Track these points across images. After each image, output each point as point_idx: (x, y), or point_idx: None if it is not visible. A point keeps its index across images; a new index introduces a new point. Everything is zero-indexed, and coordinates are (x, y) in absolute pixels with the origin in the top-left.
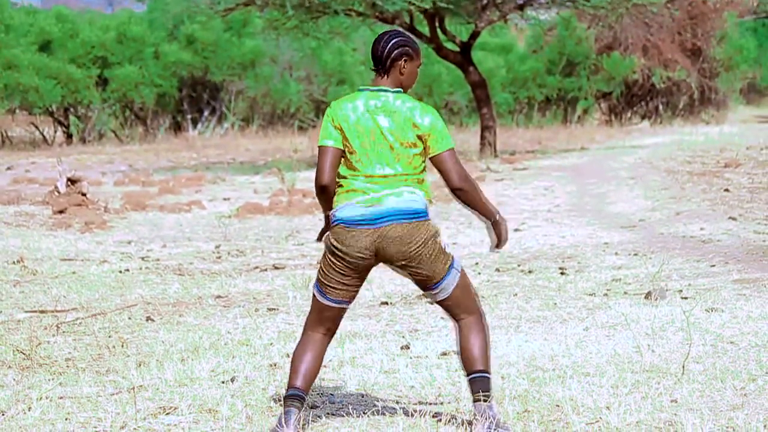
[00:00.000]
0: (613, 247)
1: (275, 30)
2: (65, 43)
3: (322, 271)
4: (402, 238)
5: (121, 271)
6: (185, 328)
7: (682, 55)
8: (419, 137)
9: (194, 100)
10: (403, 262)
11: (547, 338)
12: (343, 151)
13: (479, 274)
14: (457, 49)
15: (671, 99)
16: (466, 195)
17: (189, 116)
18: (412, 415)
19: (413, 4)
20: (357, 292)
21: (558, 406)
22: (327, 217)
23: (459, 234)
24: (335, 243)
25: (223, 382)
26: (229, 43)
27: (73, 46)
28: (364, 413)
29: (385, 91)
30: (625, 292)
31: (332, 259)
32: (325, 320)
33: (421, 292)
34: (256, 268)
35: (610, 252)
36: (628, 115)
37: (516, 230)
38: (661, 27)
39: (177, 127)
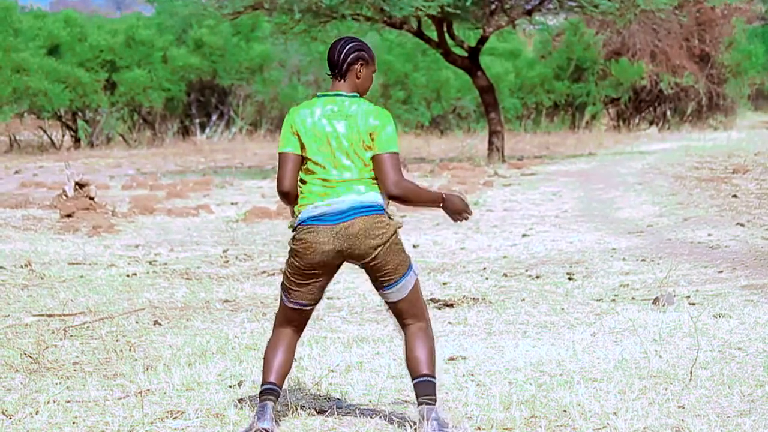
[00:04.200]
0: (621, 253)
1: (283, 34)
2: (73, 47)
3: (286, 274)
4: (366, 231)
5: (128, 275)
6: (192, 332)
7: (690, 61)
8: (372, 138)
9: (202, 104)
10: (369, 258)
11: (554, 343)
12: (303, 157)
13: (487, 279)
14: (465, 54)
15: (679, 105)
16: (402, 201)
17: (197, 120)
18: (420, 420)
19: (421, 10)
20: (320, 295)
21: (565, 411)
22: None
23: (467, 239)
24: (298, 245)
25: (230, 387)
26: (237, 47)
27: (81, 49)
28: (371, 418)
29: (342, 96)
30: (633, 298)
31: (294, 261)
32: (290, 320)
33: (377, 291)
34: (264, 272)
35: (617, 257)
36: (636, 120)
37: (524, 235)
38: (669, 33)
39: (185, 131)
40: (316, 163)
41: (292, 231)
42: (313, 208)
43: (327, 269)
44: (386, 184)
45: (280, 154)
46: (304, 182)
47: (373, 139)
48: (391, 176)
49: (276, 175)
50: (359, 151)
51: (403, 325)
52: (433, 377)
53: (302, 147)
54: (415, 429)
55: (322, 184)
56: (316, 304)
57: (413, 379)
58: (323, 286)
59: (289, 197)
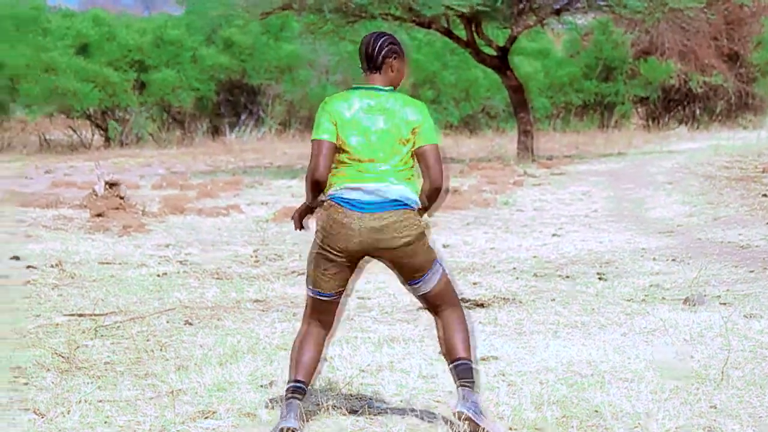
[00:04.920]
0: (651, 253)
1: (312, 34)
2: (102, 47)
3: (312, 262)
4: (393, 226)
5: (159, 275)
6: (223, 332)
7: (719, 59)
8: (412, 133)
9: (232, 103)
10: (392, 254)
11: (585, 343)
12: (337, 146)
13: (517, 279)
14: (495, 53)
15: (708, 104)
16: (440, 197)
17: (227, 120)
18: (451, 421)
19: (451, 9)
20: (343, 286)
21: (597, 411)
22: (308, 207)
23: (497, 239)
24: (326, 222)
25: (261, 386)
26: (266, 46)
27: (110, 49)
28: (402, 418)
29: (379, 89)
30: (664, 298)
31: (324, 240)
32: (318, 313)
33: (403, 285)
34: (294, 272)
35: (648, 257)
36: (666, 119)
37: (554, 235)
38: (698, 32)
39: (215, 131)
40: (351, 155)
41: (324, 204)
42: (346, 190)
43: (349, 257)
44: (433, 176)
45: (315, 140)
46: (338, 168)
47: (414, 134)
48: (437, 167)
49: (308, 164)
50: (396, 146)
51: (436, 314)
52: (470, 361)
53: (338, 136)
54: (448, 427)
55: (358, 171)
56: (339, 296)
57: (450, 363)
58: (346, 277)
59: (321, 185)
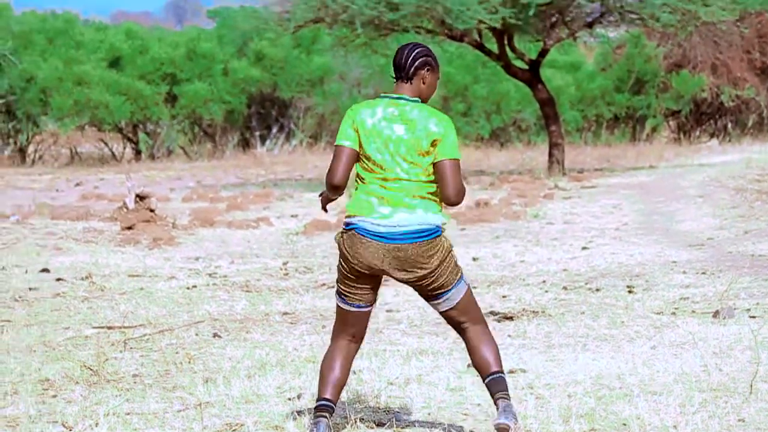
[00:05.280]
0: (681, 266)
1: (344, 47)
2: (135, 60)
3: (339, 277)
4: (416, 257)
5: (188, 288)
6: (252, 345)
7: (751, 73)
8: (433, 145)
9: (263, 116)
10: (415, 279)
11: (614, 356)
12: (358, 153)
13: (546, 292)
14: (526, 66)
15: (740, 117)
16: (452, 206)
17: (257, 133)
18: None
19: (483, 22)
20: (375, 296)
21: (625, 424)
22: (326, 198)
23: (527, 252)
24: (348, 249)
25: (289, 399)
26: (297, 59)
27: (142, 62)
28: (430, 431)
29: (405, 99)
30: (693, 311)
31: (344, 265)
32: (349, 326)
33: (426, 301)
34: (323, 285)
35: (677, 270)
36: (697, 133)
37: (584, 248)
38: (730, 45)
39: (245, 144)
40: (374, 163)
41: (342, 229)
42: (370, 223)
43: (373, 276)
44: (447, 192)
45: (336, 146)
46: (362, 179)
47: (435, 147)
48: (452, 184)
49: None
50: (416, 158)
51: (461, 330)
52: (503, 373)
53: (360, 144)
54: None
55: (381, 184)
56: (371, 306)
57: (485, 378)
58: (374, 288)
59: (339, 190)
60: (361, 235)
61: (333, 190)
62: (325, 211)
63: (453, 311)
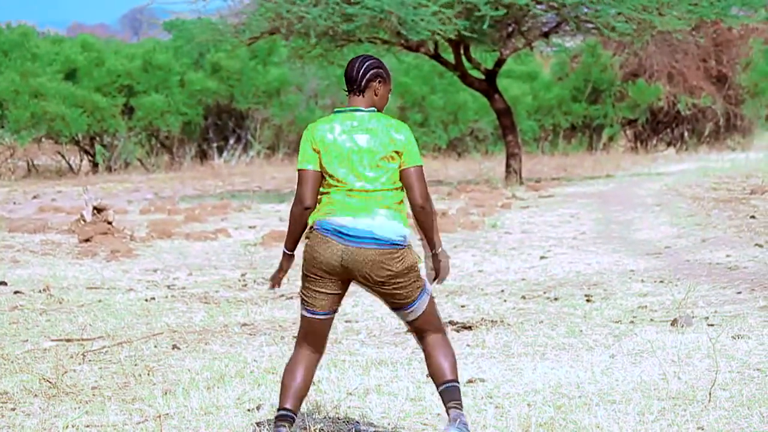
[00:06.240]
0: (639, 274)
1: (300, 58)
2: (91, 72)
3: (303, 284)
4: (374, 263)
5: (147, 300)
6: (211, 356)
7: (707, 81)
8: (396, 152)
9: (220, 128)
10: (376, 286)
11: (573, 365)
12: (322, 173)
13: (505, 301)
14: (482, 76)
15: (697, 126)
16: (426, 215)
17: (215, 144)
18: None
19: (438, 33)
20: (339, 303)
21: None
22: (286, 255)
23: (485, 261)
24: (308, 248)
25: (249, 410)
26: (254, 71)
27: (98, 74)
28: None
29: (360, 110)
30: (651, 319)
31: (305, 264)
32: (312, 335)
33: (391, 309)
34: (282, 295)
35: (635, 279)
36: (654, 142)
37: (542, 257)
38: (686, 54)
39: (203, 155)
40: (338, 180)
41: (308, 232)
42: (332, 220)
43: (335, 279)
44: (414, 196)
45: (300, 170)
46: (326, 193)
47: (400, 155)
48: (420, 187)
49: (295, 193)
50: (382, 163)
51: (421, 338)
52: (458, 382)
53: (321, 163)
54: None
55: (347, 194)
56: (332, 314)
57: (439, 386)
58: (341, 295)
59: (311, 211)
60: (322, 234)
61: (301, 215)
62: (278, 286)
63: (417, 322)
